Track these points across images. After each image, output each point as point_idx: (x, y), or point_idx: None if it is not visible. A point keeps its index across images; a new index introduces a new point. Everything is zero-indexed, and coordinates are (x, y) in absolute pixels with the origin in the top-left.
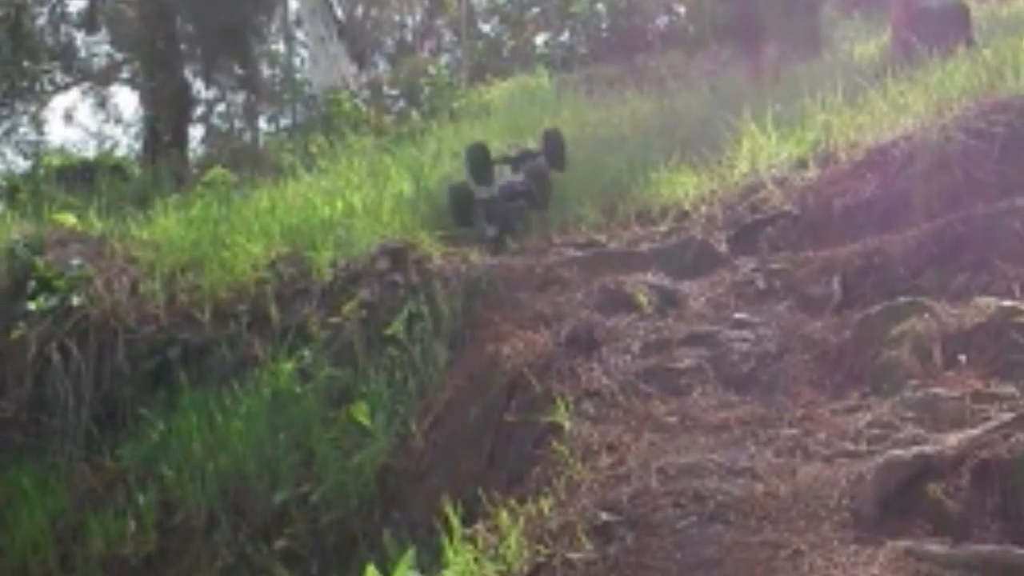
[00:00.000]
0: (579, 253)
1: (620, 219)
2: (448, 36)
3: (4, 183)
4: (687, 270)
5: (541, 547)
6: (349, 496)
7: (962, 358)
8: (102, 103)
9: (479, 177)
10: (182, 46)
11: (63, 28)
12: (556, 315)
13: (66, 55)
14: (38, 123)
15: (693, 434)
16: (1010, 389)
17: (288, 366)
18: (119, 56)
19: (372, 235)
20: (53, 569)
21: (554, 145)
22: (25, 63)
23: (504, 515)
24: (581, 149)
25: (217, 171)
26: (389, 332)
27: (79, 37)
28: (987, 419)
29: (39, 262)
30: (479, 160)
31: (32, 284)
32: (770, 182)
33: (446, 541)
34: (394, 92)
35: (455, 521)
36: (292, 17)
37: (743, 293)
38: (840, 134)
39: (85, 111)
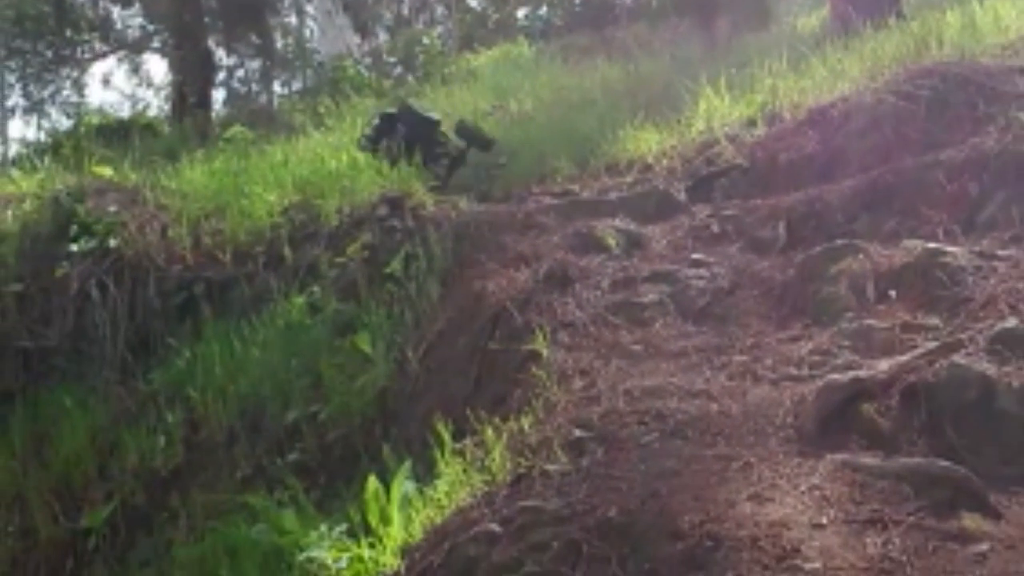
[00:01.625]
0: (555, 201)
1: (591, 171)
2: (440, 10)
3: (49, 140)
4: (650, 216)
5: (522, 460)
6: (353, 415)
7: (892, 293)
8: (135, 69)
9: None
10: (206, 19)
11: (101, 2)
12: (535, 255)
13: (104, 27)
14: (79, 87)
15: (655, 360)
16: (934, 321)
17: (299, 300)
18: (150, 27)
19: (373, 185)
20: (92, 479)
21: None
22: (68, 33)
23: (489, 432)
24: (557, 110)
25: (237, 129)
26: (388, 271)
27: (115, 11)
28: (914, 347)
29: (80, 209)
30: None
31: (74, 228)
32: (723, 139)
33: (438, 455)
34: (392, 59)
35: (446, 437)
36: None
37: (699, 236)
38: (785, 96)
39: (120, 76)
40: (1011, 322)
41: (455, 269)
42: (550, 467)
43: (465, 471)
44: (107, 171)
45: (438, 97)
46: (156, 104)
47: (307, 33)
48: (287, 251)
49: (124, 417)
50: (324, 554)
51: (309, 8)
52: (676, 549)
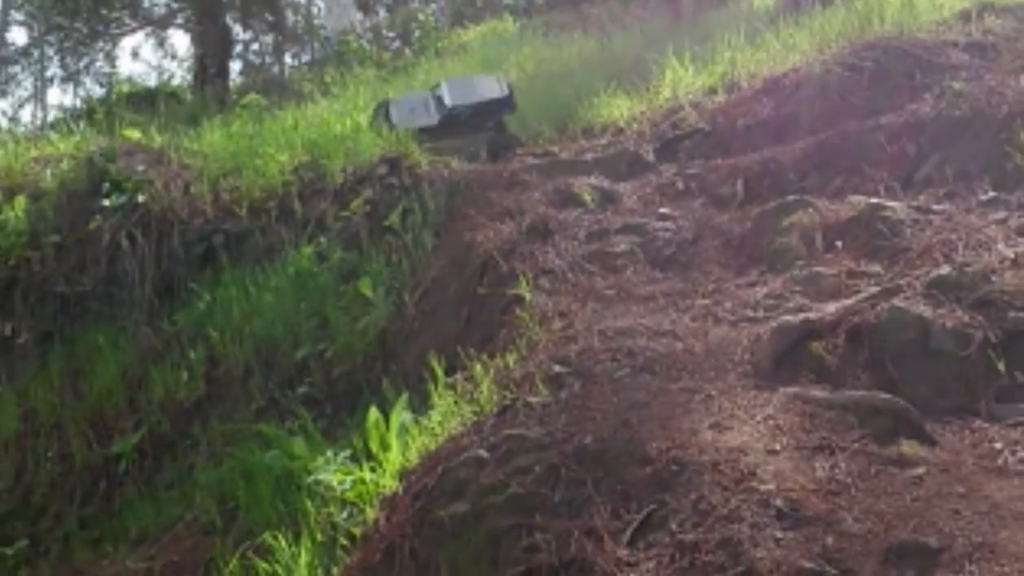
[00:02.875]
0: (537, 161)
1: (569, 134)
2: None
3: (84, 106)
4: (622, 174)
5: (507, 393)
6: (356, 353)
7: (838, 244)
8: (161, 43)
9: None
10: None
11: None
12: (519, 210)
13: (133, 5)
14: (111, 59)
15: (627, 304)
16: (876, 268)
17: (308, 250)
18: (175, 6)
19: (374, 147)
20: (122, 410)
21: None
22: (101, 11)
23: (478, 367)
24: (538, 79)
25: (252, 97)
26: (387, 223)
27: None
28: (858, 292)
29: (111, 168)
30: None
31: (106, 186)
32: (687, 105)
33: (432, 388)
34: (391, 34)
35: (439, 372)
36: None
37: (666, 193)
38: (742, 67)
39: (148, 49)
40: (945, 269)
41: (447, 222)
42: (532, 399)
43: (456, 403)
44: (136, 134)
45: (432, 68)
46: (179, 74)
47: (315, 11)
48: (297, 206)
49: (151, 354)
50: (330, 477)
51: None
52: (645, 472)
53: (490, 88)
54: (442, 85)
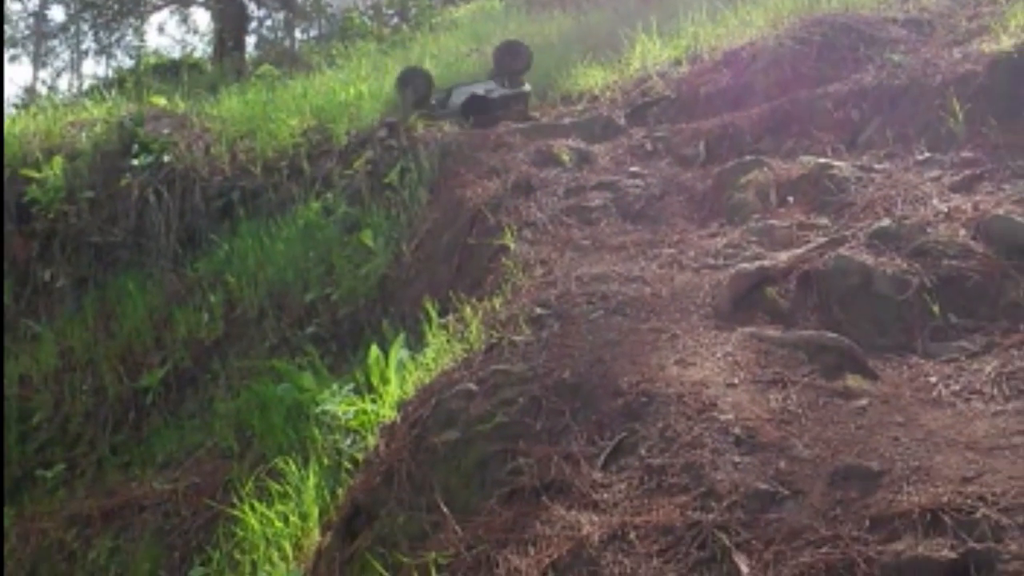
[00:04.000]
0: (521, 125)
1: (549, 101)
2: None
3: (115, 76)
4: (596, 137)
5: (493, 332)
6: (358, 296)
7: (790, 199)
8: (184, 19)
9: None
10: None
11: None
12: (504, 169)
13: None
14: (139, 33)
15: (601, 252)
16: (824, 221)
17: (315, 205)
18: None
19: (375, 112)
20: (150, 348)
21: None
22: None
23: (467, 310)
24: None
25: (265, 68)
26: (387, 181)
27: None
28: (808, 242)
29: (140, 131)
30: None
31: (135, 147)
32: (655, 75)
33: (427, 328)
34: (390, 11)
35: (433, 314)
36: None
37: (636, 153)
38: (704, 42)
39: (172, 25)
40: (885, 222)
41: (440, 179)
42: (516, 338)
43: (448, 341)
44: (161, 101)
45: (426, 42)
46: (201, 48)
47: None
48: (305, 165)
49: (175, 298)
50: (336, 408)
51: None
52: (617, 404)
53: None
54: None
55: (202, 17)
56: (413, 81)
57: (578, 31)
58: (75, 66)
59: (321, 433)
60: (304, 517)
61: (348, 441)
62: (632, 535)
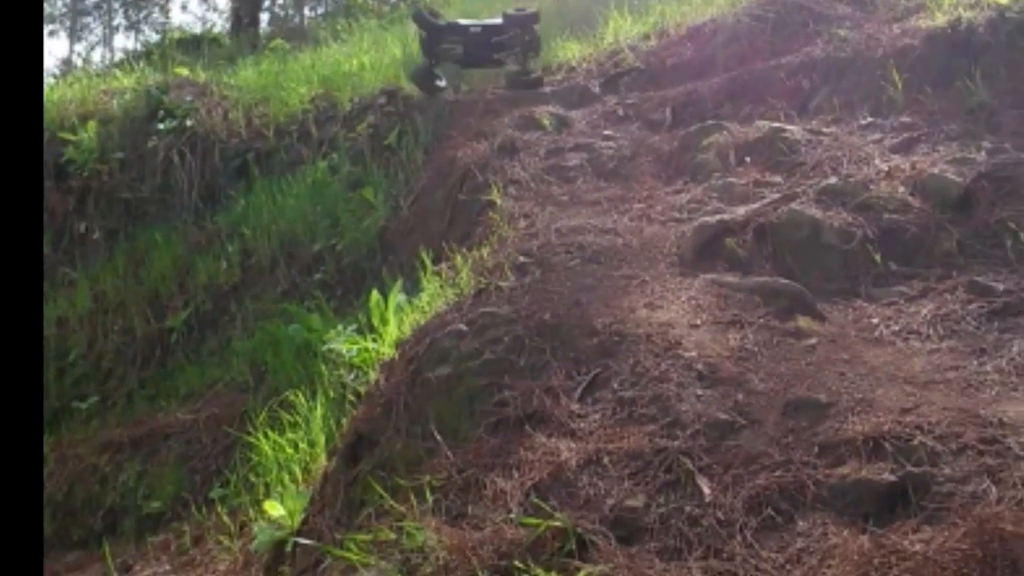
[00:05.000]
0: (506, 93)
1: (532, 70)
2: None
3: (143, 49)
4: (574, 104)
5: (481, 278)
6: (361, 247)
7: (747, 159)
8: None
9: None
10: None
11: None
12: (491, 132)
13: None
14: (165, 11)
15: (578, 207)
16: (778, 179)
17: (322, 165)
18: None
19: (376, 81)
20: (174, 293)
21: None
22: None
23: (458, 258)
24: None
25: (277, 41)
26: (386, 143)
27: None
28: (763, 198)
29: (165, 99)
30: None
31: (160, 112)
32: (626, 48)
33: (422, 275)
34: None
35: (428, 263)
36: None
37: (609, 118)
38: (671, 18)
39: (194, 3)
40: (832, 180)
41: (434, 142)
42: (502, 284)
43: (441, 287)
44: (184, 71)
45: None
46: (219, 24)
47: None
48: (313, 129)
49: (197, 247)
50: (340, 346)
51: None
52: (592, 342)
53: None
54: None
55: None
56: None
57: (558, 9)
58: (107, 40)
59: (327, 369)
60: (312, 444)
61: (351, 376)
62: (606, 460)
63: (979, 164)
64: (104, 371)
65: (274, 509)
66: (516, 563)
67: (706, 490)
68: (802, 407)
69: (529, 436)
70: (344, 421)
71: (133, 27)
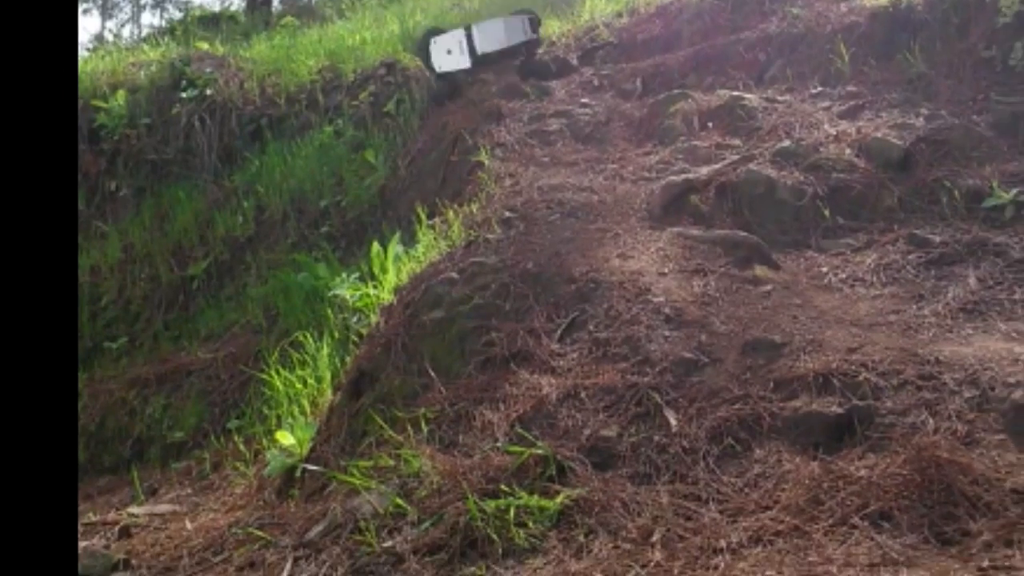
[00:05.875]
0: (493, 64)
1: None
2: None
3: (168, 25)
4: (554, 74)
5: (471, 231)
6: (362, 203)
7: (710, 124)
8: None
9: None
10: None
11: None
12: (480, 100)
13: None
14: None
15: (557, 168)
16: (737, 142)
17: (328, 129)
18: None
19: (376, 55)
20: (195, 244)
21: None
22: None
23: (450, 213)
24: (494, 6)
25: (288, 19)
26: (386, 110)
27: None
28: (724, 159)
29: (187, 70)
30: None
31: (183, 82)
32: (601, 25)
33: (418, 229)
34: None
35: (423, 217)
36: None
37: (586, 88)
38: None
39: None
40: (786, 143)
41: (429, 108)
42: (489, 236)
43: (435, 239)
44: (205, 46)
45: None
46: (236, 3)
47: None
48: (320, 97)
49: (216, 204)
50: (344, 292)
51: None
52: (571, 289)
53: (516, 32)
54: (473, 30)
55: None
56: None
57: None
58: (135, 17)
59: (333, 312)
60: (319, 380)
61: (354, 319)
62: (583, 394)
63: (918, 129)
64: (133, 314)
65: (285, 438)
66: (502, 487)
67: (673, 421)
68: (759, 347)
69: (514, 373)
70: (348, 359)
71: (159, 6)
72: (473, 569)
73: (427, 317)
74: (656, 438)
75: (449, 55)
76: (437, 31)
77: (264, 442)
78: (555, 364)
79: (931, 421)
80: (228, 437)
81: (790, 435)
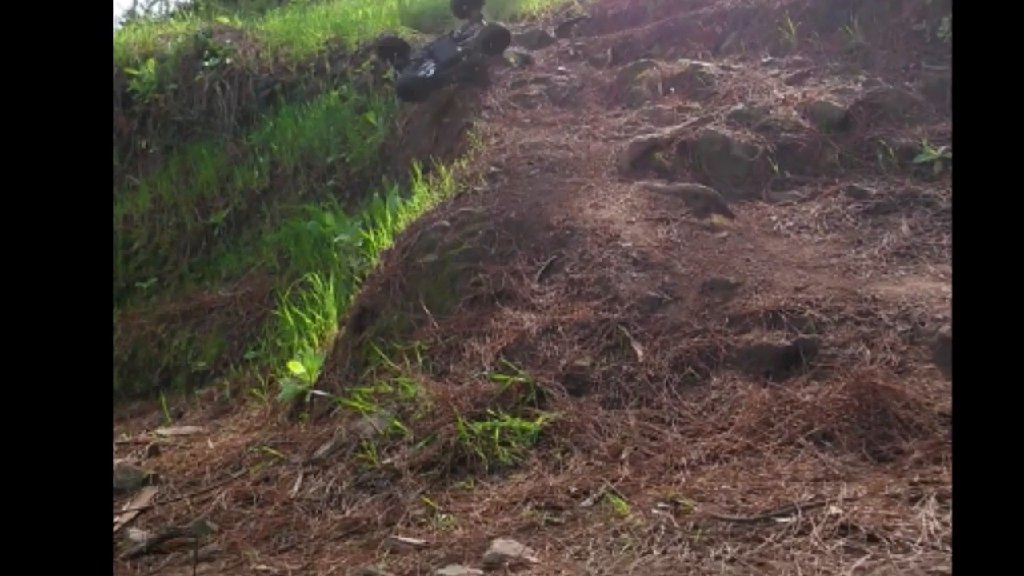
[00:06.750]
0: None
1: (503, 20)
2: None
3: (192, 2)
4: (534, 45)
5: (461, 184)
6: (365, 159)
7: (672, 90)
8: None
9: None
10: None
11: None
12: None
13: None
14: None
15: (538, 128)
16: (696, 105)
17: (335, 94)
18: None
19: (377, 28)
20: (217, 195)
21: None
22: None
23: (443, 169)
24: None
25: None
26: (385, 76)
27: None
28: (685, 120)
29: (210, 41)
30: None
31: (206, 52)
32: (576, 1)
33: (414, 182)
34: None
35: (418, 172)
36: None
37: (562, 57)
38: None
39: None
40: (740, 106)
41: None
42: (477, 189)
43: (429, 191)
44: (225, 20)
45: None
46: None
47: None
48: (327, 65)
49: (234, 160)
50: (349, 238)
51: None
52: (549, 235)
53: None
54: (434, 50)
55: None
56: (391, 49)
57: None
58: None
59: (338, 256)
60: (326, 316)
61: (357, 262)
62: (559, 329)
63: (856, 93)
64: (161, 258)
65: (296, 368)
66: (488, 410)
67: (639, 353)
68: (715, 287)
69: (499, 310)
70: (351, 298)
71: None
72: (463, 483)
73: (422, 260)
74: (625, 367)
75: (415, 69)
76: (393, 45)
77: (277, 371)
78: (535, 302)
79: (868, 352)
80: (245, 366)
81: (743, 365)
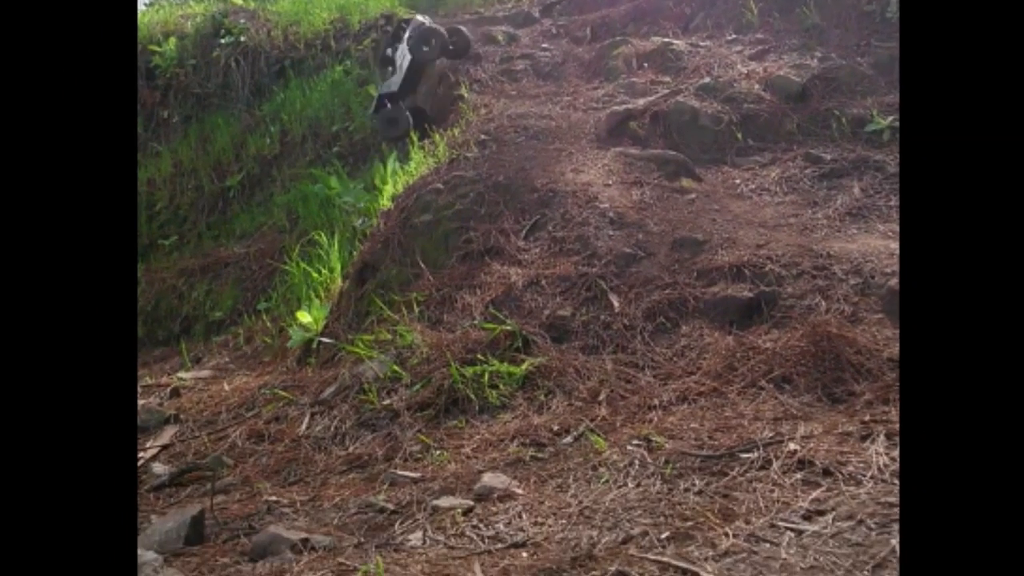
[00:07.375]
0: (470, 17)
1: (489, 2)
2: None
3: None
4: (520, 24)
5: (453, 151)
6: (366, 128)
7: (645, 65)
8: None
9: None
10: None
11: None
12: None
13: None
14: None
15: (523, 100)
16: (667, 79)
17: (339, 68)
18: None
19: (378, 8)
20: (232, 160)
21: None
22: None
23: (437, 136)
24: None
25: None
26: (386, 53)
27: None
28: (657, 92)
29: (226, 20)
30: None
31: (222, 31)
32: None
33: (411, 148)
34: None
35: (415, 139)
36: None
37: (546, 35)
38: None
39: None
40: (707, 79)
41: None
42: (468, 155)
43: (424, 157)
44: (239, 1)
45: None
46: None
47: None
48: (332, 43)
49: (248, 128)
50: (352, 199)
51: None
52: (533, 197)
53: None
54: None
55: None
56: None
57: None
58: None
59: (342, 216)
60: (331, 270)
61: (360, 221)
62: (543, 282)
63: (813, 68)
64: (181, 217)
65: (304, 317)
66: (479, 356)
67: (615, 304)
68: (685, 244)
69: (488, 264)
70: (354, 254)
71: None
72: (455, 422)
73: (418, 220)
74: (602, 317)
75: (388, 87)
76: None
77: (287, 320)
78: (521, 257)
79: (823, 303)
80: (258, 316)
81: (710, 315)
